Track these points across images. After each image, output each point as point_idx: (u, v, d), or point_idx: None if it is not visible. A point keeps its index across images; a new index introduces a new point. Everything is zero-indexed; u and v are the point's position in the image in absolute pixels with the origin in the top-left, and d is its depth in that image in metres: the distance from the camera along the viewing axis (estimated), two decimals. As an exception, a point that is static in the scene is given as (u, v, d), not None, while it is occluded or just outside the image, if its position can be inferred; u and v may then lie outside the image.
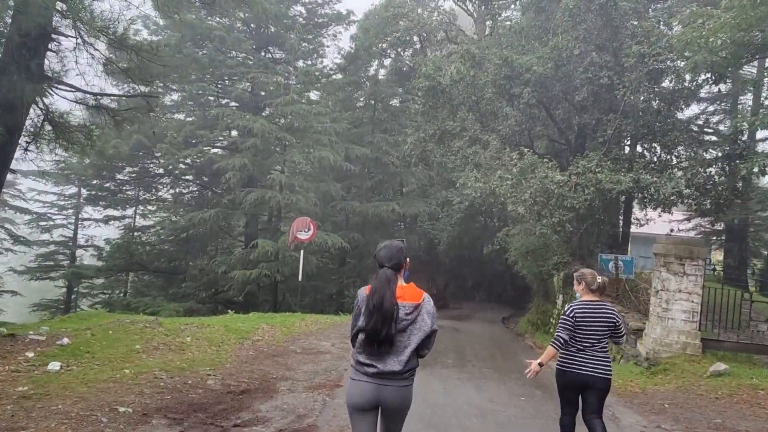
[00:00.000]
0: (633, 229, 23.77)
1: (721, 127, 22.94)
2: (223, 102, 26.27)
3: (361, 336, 3.82)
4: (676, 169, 16.90)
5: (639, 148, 17.87)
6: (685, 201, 16.34)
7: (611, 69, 15.46)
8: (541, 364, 5.45)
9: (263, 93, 24.73)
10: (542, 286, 20.87)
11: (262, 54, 25.77)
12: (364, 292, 3.92)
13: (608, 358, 5.43)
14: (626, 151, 18.33)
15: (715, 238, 30.99)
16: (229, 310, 16.50)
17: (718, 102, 25.66)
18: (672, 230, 18.37)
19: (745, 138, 16.27)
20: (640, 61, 14.17)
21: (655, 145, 16.24)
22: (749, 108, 24.24)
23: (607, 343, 5.46)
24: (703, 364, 10.25)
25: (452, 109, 19.44)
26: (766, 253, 30.39)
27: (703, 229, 30.60)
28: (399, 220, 31.20)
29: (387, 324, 3.71)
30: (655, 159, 16.56)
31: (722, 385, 9.04)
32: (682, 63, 14.08)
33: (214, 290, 24.04)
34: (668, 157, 16.38)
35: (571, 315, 5.36)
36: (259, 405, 7.13)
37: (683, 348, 10.74)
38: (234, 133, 25.24)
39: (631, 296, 13.84)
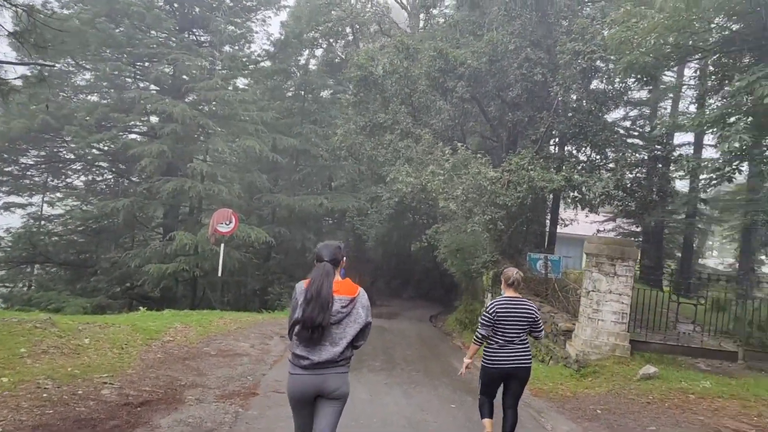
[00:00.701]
0: (558, 229, 24.04)
1: (646, 130, 23.45)
2: (142, 85, 24.60)
3: (297, 327, 3.99)
4: (604, 170, 16.99)
5: (569, 148, 17.85)
6: (613, 202, 16.44)
7: (545, 66, 15.30)
8: (468, 362, 5.97)
9: (186, 77, 23.32)
10: (471, 285, 20.68)
11: (186, 35, 24.27)
12: (302, 285, 4.11)
13: (528, 349, 5.81)
14: (557, 150, 18.32)
15: (633, 239, 31.94)
16: (141, 307, 15.26)
17: (640, 108, 26.37)
18: (598, 230, 18.47)
19: (671, 141, 16.52)
20: (574, 58, 14.04)
21: (585, 145, 16.20)
22: (668, 112, 25.04)
23: (527, 337, 5.82)
24: (632, 366, 10.12)
25: (384, 101, 18.86)
26: (679, 254, 31.51)
27: (622, 231, 31.48)
28: (327, 215, 30.38)
29: (323, 312, 3.92)
30: (585, 159, 16.57)
31: (653, 388, 8.86)
32: (615, 63, 14.01)
33: (128, 285, 22.48)
34: (597, 157, 16.40)
35: (491, 312, 5.72)
36: (160, 419, 6.26)
37: (612, 350, 10.58)
38: (154, 118, 23.72)
39: (560, 296, 13.70)
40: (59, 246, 22.52)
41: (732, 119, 11.69)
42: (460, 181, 14.29)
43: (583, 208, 17.20)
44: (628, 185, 15.38)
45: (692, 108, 22.51)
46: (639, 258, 31.94)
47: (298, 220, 27.87)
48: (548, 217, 22.48)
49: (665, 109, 25.96)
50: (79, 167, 24.84)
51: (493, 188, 14.05)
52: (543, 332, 5.99)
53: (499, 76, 16.48)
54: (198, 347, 10.46)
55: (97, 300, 19.81)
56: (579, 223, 28.98)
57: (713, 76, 14.09)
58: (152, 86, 24.53)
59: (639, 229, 30.26)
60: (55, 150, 24.24)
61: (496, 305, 5.74)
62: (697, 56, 13.74)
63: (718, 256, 42.96)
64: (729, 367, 10.93)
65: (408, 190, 16.12)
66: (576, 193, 14.72)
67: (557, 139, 17.75)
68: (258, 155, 22.37)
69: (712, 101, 14.96)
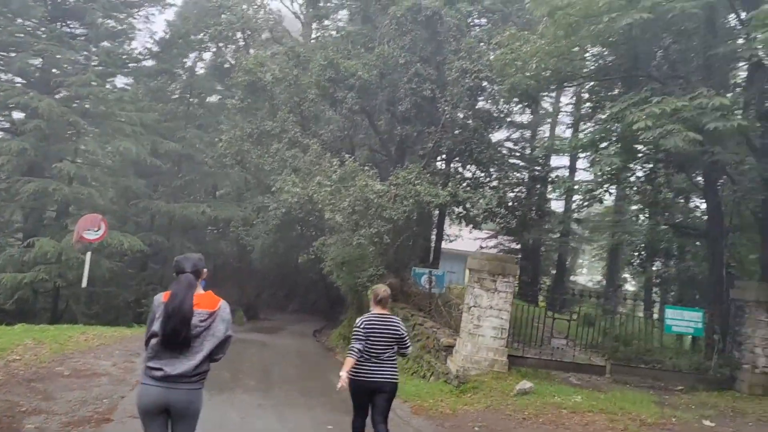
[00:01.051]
0: (444, 244, 24.47)
1: (527, 152, 24.48)
2: (5, 77, 22.36)
3: (153, 340, 3.86)
4: (488, 188, 17.46)
5: (455, 165, 18.19)
6: (495, 219, 16.91)
7: (434, 82, 15.50)
8: (348, 374, 5.74)
9: (56, 71, 21.46)
10: (356, 299, 20.39)
11: (58, 26, 22.37)
12: (160, 297, 3.98)
13: (395, 366, 5.93)
14: (444, 166, 18.61)
15: (513, 256, 33.23)
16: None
17: (522, 130, 27.61)
18: (482, 246, 18.92)
19: (548, 163, 17.27)
20: (461, 76, 14.31)
21: (471, 162, 16.57)
22: (547, 136, 26.42)
23: (394, 353, 5.91)
24: (510, 381, 10.25)
25: (272, 108, 18.35)
26: (553, 271, 33.15)
27: (503, 248, 32.64)
28: (210, 224, 29.06)
29: (185, 326, 3.80)
30: (470, 176, 16.94)
31: (528, 404, 8.98)
32: (500, 84, 14.45)
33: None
34: (482, 175, 16.82)
35: (361, 326, 5.78)
36: (-13, 455, 5.40)
37: (492, 365, 10.68)
38: (18, 114, 21.58)
39: (443, 311, 13.77)
40: None
41: (603, 144, 12.36)
42: (347, 193, 14.06)
43: (467, 224, 17.56)
44: (510, 203, 15.87)
45: (568, 132, 23.90)
46: (518, 274, 33.48)
47: (178, 228, 26.45)
48: (434, 232, 22.79)
49: (544, 132, 27.38)
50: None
51: (379, 201, 13.95)
52: (410, 349, 6.13)
53: (389, 90, 16.50)
54: (49, 367, 9.36)
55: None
56: (463, 239, 29.72)
57: (588, 103, 14.93)
58: (17, 79, 22.39)
59: (518, 246, 31.51)
60: None
61: (365, 321, 5.85)
62: (574, 83, 14.44)
63: (587, 273, 45.80)
64: (598, 381, 11.38)
65: (294, 200, 15.66)
66: (461, 209, 14.96)
67: (444, 155, 18.02)
68: (135, 158, 20.95)
69: (586, 126, 15.83)
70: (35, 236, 18.55)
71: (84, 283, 15.64)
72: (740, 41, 13.10)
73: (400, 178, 14.59)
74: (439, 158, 17.95)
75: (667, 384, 11.51)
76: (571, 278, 36.64)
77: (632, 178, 15.71)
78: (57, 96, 21.16)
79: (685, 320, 11.42)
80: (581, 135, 14.13)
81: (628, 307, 22.57)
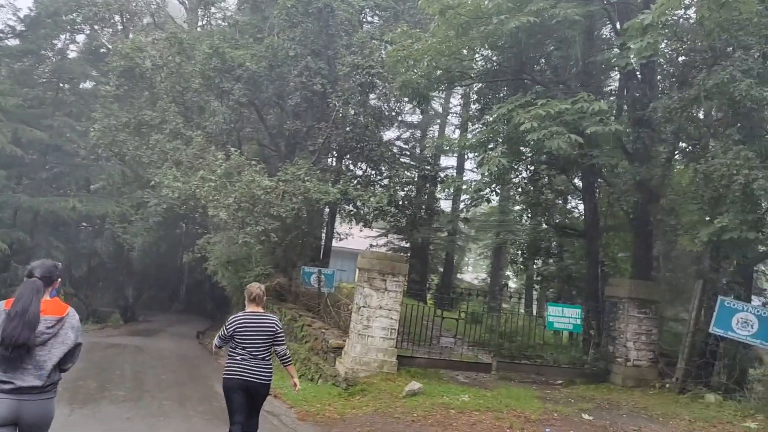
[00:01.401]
0: (334, 242, 24.14)
1: (416, 152, 24.63)
2: None
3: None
4: (378, 186, 17.33)
5: (346, 162, 17.92)
6: (386, 217, 16.81)
7: (325, 77, 15.13)
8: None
9: None
10: (242, 299, 19.61)
11: None
12: (1, 305, 3.78)
13: (270, 367, 5.80)
14: (334, 164, 18.27)
15: (403, 254, 33.50)
16: None
17: (412, 130, 27.85)
18: (372, 245, 18.79)
19: (438, 163, 17.42)
20: (353, 71, 14.04)
21: (362, 160, 16.36)
22: (436, 136, 26.82)
23: (269, 352, 5.80)
24: (399, 382, 10.10)
25: (152, 97, 17.18)
26: (441, 270, 33.81)
27: (393, 246, 32.84)
28: (83, 221, 26.89)
29: (28, 330, 3.64)
30: (361, 174, 16.72)
31: (417, 405, 8.84)
32: (391, 82, 14.33)
33: None
34: (373, 173, 16.66)
35: (228, 328, 5.72)
36: None
37: (381, 366, 10.49)
38: None
39: (332, 312, 13.45)
40: None
41: (491, 145, 12.56)
42: (233, 189, 13.36)
43: (357, 223, 17.33)
44: (400, 202, 15.81)
45: (457, 133, 24.39)
46: (408, 273, 33.92)
47: (45, 225, 24.23)
48: (324, 230, 22.41)
49: (434, 132, 27.77)
50: None
51: (267, 198, 13.37)
52: (285, 346, 5.99)
53: (278, 83, 15.93)
54: None
55: None
56: (354, 237, 29.61)
57: (476, 104, 15.16)
58: None
59: (408, 245, 31.80)
60: None
61: (237, 320, 5.75)
62: (464, 83, 14.60)
63: (473, 271, 47.30)
64: (484, 378, 11.52)
65: (176, 196, 14.71)
66: (351, 207, 14.69)
67: (335, 152, 17.67)
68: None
69: (475, 127, 16.08)
70: None
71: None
72: (615, 50, 13.86)
73: (289, 174, 14.08)
74: (329, 155, 17.59)
75: (548, 378, 11.89)
76: (458, 276, 37.62)
77: (516, 179, 16.24)
78: None
79: (565, 317, 11.83)
80: (469, 135, 14.31)
81: (511, 305, 23.43)
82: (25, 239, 20.95)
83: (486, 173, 11.52)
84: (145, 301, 33.40)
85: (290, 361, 6.15)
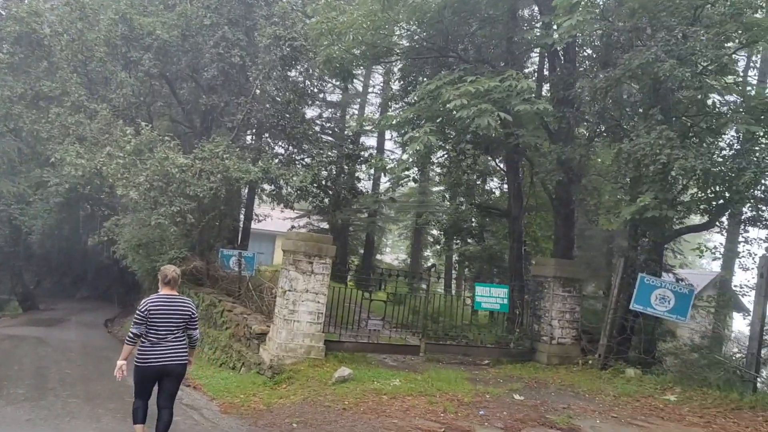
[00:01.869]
0: (252, 224, 23.35)
1: (337, 131, 24.12)
2: None
3: None
4: (299, 165, 16.74)
5: (267, 139, 17.15)
6: (308, 197, 16.27)
7: (244, 49, 14.32)
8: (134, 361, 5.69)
9: None
10: (155, 284, 18.51)
11: None
12: None
13: (184, 347, 5.83)
14: (254, 141, 17.45)
15: (328, 236, 32.96)
16: None
17: (333, 108, 27.25)
18: (293, 227, 18.24)
19: (361, 142, 17.01)
20: (274, 42, 13.31)
21: (283, 138, 15.69)
22: (357, 115, 26.40)
23: (182, 334, 5.83)
24: (327, 368, 9.73)
25: (51, 67, 15.67)
26: (362, 251, 33.64)
27: (313, 227, 32.30)
28: (-27, 202, 24.50)
29: None
30: (283, 152, 16.05)
31: (348, 392, 8.50)
32: (315, 55, 13.73)
33: None
34: (294, 151, 16.02)
35: (143, 310, 5.62)
36: None
37: (308, 352, 10.07)
38: None
39: (254, 296, 12.83)
40: None
41: (421, 122, 12.29)
42: (144, 167, 12.40)
43: (278, 203, 16.70)
44: (323, 182, 15.31)
45: (378, 113, 24.05)
46: (335, 255, 33.53)
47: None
48: (242, 211, 21.57)
49: (355, 111, 27.31)
50: None
51: (182, 177, 12.52)
52: (197, 331, 6.00)
53: (193, 54, 14.94)
54: None
55: None
56: (272, 219, 28.87)
57: (399, 82, 14.83)
58: None
59: (327, 226, 31.35)
60: None
61: (150, 303, 5.68)
62: (389, 60, 14.22)
63: (391, 252, 47.44)
64: (413, 361, 11.34)
65: (79, 174, 13.52)
66: (273, 187, 14.04)
67: (255, 129, 16.85)
68: None
69: (398, 106, 15.78)
70: None
71: None
72: (537, 31, 13.91)
73: (206, 151, 13.24)
74: (248, 132, 16.74)
75: (475, 359, 11.87)
76: (377, 257, 37.56)
77: (439, 159, 16.11)
78: None
79: (492, 296, 11.81)
80: (392, 114, 13.99)
81: (433, 285, 23.54)
82: None
83: (413, 152, 11.23)
84: (46, 288, 31.23)
85: (196, 345, 6.14)
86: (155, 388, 5.84)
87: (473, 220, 18.94)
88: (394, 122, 12.23)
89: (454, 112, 10.55)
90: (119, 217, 18.94)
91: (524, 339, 12.07)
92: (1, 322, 17.90)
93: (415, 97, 12.99)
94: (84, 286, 32.95)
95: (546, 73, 15.02)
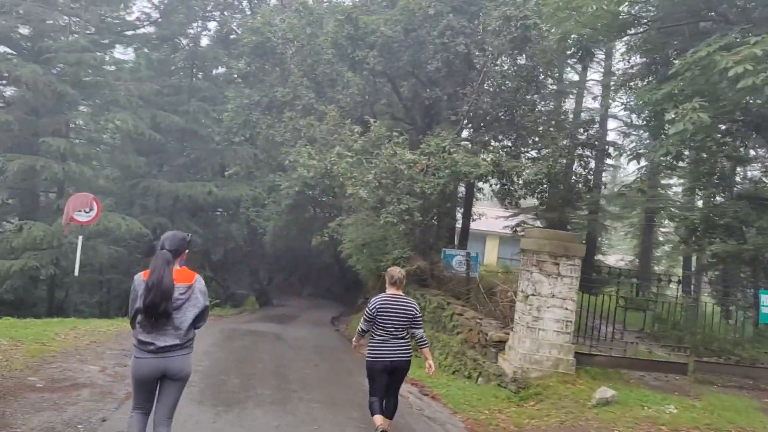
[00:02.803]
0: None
1: (570, 117, 22.15)
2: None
3: (140, 317, 4.21)
4: (525, 157, 15.51)
5: (493, 132, 16.11)
6: (535, 193, 14.92)
7: (468, 36, 13.48)
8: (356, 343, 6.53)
9: (47, 40, 19.42)
10: (378, 284, 18.57)
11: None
12: (140, 276, 4.28)
13: (409, 345, 6.11)
14: (480, 133, 16.53)
15: (573, 233, 30.90)
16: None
17: (569, 91, 25.08)
18: (521, 223, 17.05)
19: (601, 128, 15.25)
20: (504, 24, 12.25)
21: (511, 129, 14.56)
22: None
23: (408, 332, 6.11)
24: (580, 386, 8.41)
25: (283, 73, 16.38)
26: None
27: (527, 226, 30.61)
28: (219, 206, 27.21)
29: (165, 299, 4.12)
30: (510, 144, 14.95)
31: (614, 418, 7.12)
32: (549, 34, 12.42)
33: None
34: (523, 142, 14.82)
35: (371, 308, 6.03)
36: None
37: (555, 365, 8.84)
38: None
39: (485, 299, 11.90)
40: None
41: (681, 99, 10.35)
42: (372, 164, 12.14)
43: (503, 200, 15.62)
44: (556, 175, 13.90)
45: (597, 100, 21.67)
46: (584, 255, 31.53)
47: (184, 210, 24.69)
48: (459, 210, 20.88)
49: (594, 94, 24.94)
50: None
51: (410, 173, 12.03)
52: (422, 329, 6.21)
53: (414, 48, 14.51)
54: (20, 376, 7.61)
55: None
56: (482, 218, 27.99)
57: (652, 53, 12.82)
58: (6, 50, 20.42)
59: (542, 225, 29.44)
60: None
61: (378, 302, 6.04)
62: (640, 30, 12.32)
63: (614, 252, 43.63)
64: (678, 382, 9.51)
65: (310, 174, 13.77)
66: (502, 182, 12.99)
67: (481, 122, 15.91)
68: (134, 132, 19.09)
69: (644, 83, 13.75)
70: (31, 220, 16.71)
71: (76, 272, 13.85)
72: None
73: (432, 146, 12.63)
74: (470, 125, 15.83)
75: (758, 382, 9.67)
76: (598, 257, 34.66)
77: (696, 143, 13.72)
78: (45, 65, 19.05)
79: (784, 307, 9.49)
80: (645, 90, 12.05)
81: (661, 289, 20.59)
82: (167, 224, 21.25)
83: (680, 131, 9.37)
84: (277, 285, 33.77)
85: (427, 344, 6.34)
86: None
87: (733, 213, 16.01)
88: (652, 99, 10.42)
89: (730, 84, 8.59)
90: (343, 218, 19.42)
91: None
92: (242, 317, 19.30)
93: (679, 67, 10.98)
94: (308, 283, 35.09)
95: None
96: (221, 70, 28.49)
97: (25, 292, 19.26)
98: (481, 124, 15.35)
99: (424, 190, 12.19)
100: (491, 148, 13.54)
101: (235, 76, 18.68)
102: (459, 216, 20.44)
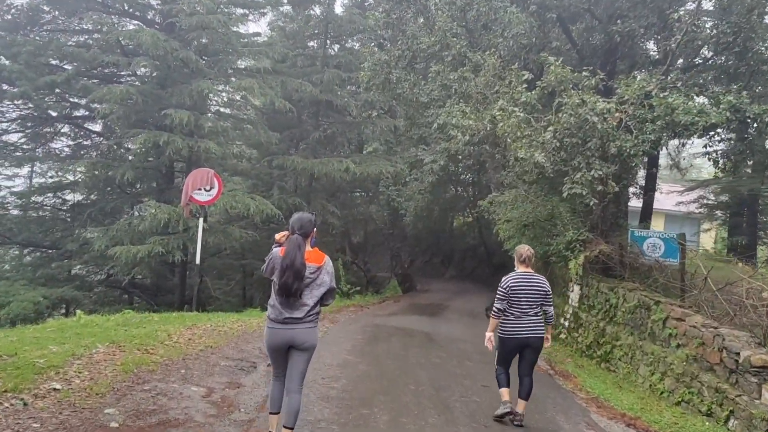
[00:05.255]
0: (633, 201, 19.04)
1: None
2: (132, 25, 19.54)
3: (274, 288, 4.74)
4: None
5: (707, 74, 12.30)
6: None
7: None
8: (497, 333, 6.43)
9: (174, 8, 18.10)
10: (547, 273, 15.52)
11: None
12: (278, 252, 4.74)
13: (541, 321, 6.20)
14: (688, 75, 12.80)
15: (719, 212, 26.15)
16: (76, 310, 10.66)
17: None
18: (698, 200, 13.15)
19: None
20: None
21: (742, 65, 10.77)
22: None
23: (539, 310, 6.21)
24: None
25: (428, 20, 13.68)
26: (776, 231, 25.81)
27: (707, 201, 25.93)
28: (356, 185, 25.29)
29: (297, 280, 4.60)
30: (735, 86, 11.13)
31: None
32: None
33: (108, 273, 18.03)
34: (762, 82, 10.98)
35: (504, 287, 6.18)
36: None
37: None
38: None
39: (720, 299, 8.47)
40: (21, 223, 17.85)
41: None
42: (554, 119, 9.13)
43: (717, 165, 11.93)
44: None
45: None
46: (728, 234, 26.48)
47: (322, 190, 23.04)
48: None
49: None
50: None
51: (604, 128, 8.89)
52: (552, 307, 6.25)
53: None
54: (96, 407, 5.59)
55: (59, 292, 15.33)
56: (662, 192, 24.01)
57: None
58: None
59: (726, 199, 24.62)
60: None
61: (510, 280, 6.16)
62: None
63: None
64: None
65: (466, 138, 11.00)
66: (749, 132, 9.39)
67: (693, 57, 12.10)
68: (264, 105, 17.42)
69: None
70: (157, 201, 15.59)
71: (197, 259, 12.26)
72: None
73: (630, 91, 9.34)
74: (678, 63, 12.08)
75: None
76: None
77: None
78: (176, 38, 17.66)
79: None
80: None
81: None
82: (302, 205, 19.55)
83: None
84: (418, 268, 31.63)
85: (552, 321, 6.33)
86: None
87: None
88: None
89: None
90: (495, 194, 16.46)
91: None
92: (385, 307, 17.05)
93: None
94: (451, 266, 32.65)
95: None
96: (357, 40, 26.39)
97: (160, 278, 18.54)
98: (696, 61, 11.59)
99: (623, 151, 8.98)
100: (715, 92, 9.90)
101: (371, 25, 16.20)
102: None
